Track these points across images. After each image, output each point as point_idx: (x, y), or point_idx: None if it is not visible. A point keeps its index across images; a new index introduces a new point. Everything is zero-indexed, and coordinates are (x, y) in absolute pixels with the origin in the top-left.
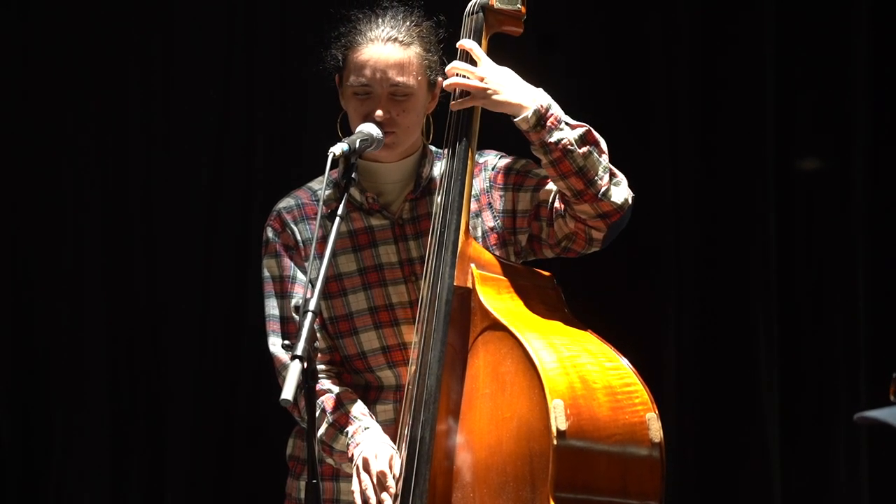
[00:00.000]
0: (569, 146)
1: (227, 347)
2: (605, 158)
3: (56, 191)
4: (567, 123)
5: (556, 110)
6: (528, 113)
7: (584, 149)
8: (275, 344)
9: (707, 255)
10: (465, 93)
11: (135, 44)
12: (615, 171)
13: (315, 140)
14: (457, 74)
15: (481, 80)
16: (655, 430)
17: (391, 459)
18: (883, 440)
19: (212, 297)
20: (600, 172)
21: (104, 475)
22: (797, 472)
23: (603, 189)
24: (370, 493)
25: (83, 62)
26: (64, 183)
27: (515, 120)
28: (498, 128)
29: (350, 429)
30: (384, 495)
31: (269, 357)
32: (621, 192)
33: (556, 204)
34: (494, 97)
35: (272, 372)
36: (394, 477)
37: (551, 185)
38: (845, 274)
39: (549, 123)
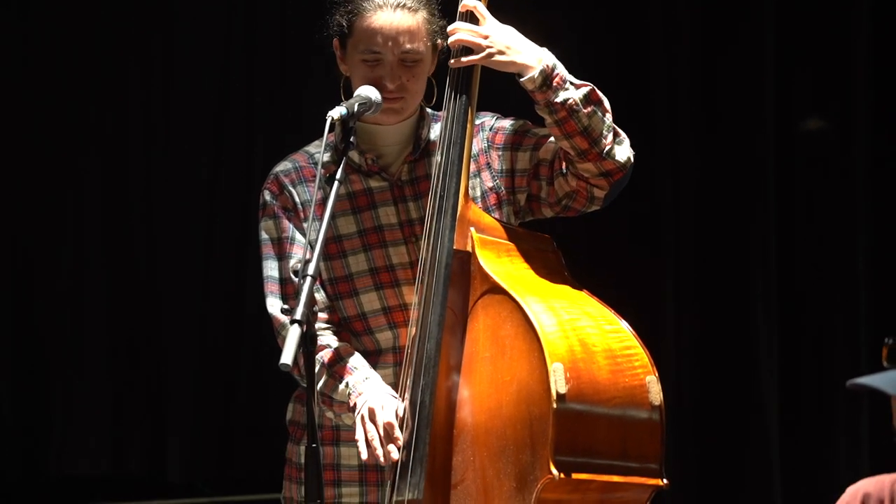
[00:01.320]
0: (574, 106)
1: (228, 313)
2: (608, 117)
3: (57, 185)
4: (571, 83)
5: (561, 69)
6: (535, 73)
7: (589, 108)
8: (273, 305)
9: (706, 220)
10: (467, 50)
11: (135, 42)
12: (618, 129)
13: (313, 135)
14: (458, 32)
15: (486, 37)
16: (655, 393)
17: (397, 410)
18: (882, 415)
19: (212, 270)
20: (604, 131)
21: (105, 443)
22: (797, 445)
23: (607, 148)
24: (376, 443)
25: (83, 61)
26: (64, 177)
27: (521, 80)
28: (498, 86)
29: (350, 378)
30: (391, 446)
31: (268, 318)
32: (624, 150)
33: (557, 163)
34: (500, 56)
35: (271, 333)
36: (400, 428)
37: (551, 144)
38: (845, 251)
39: (554, 83)
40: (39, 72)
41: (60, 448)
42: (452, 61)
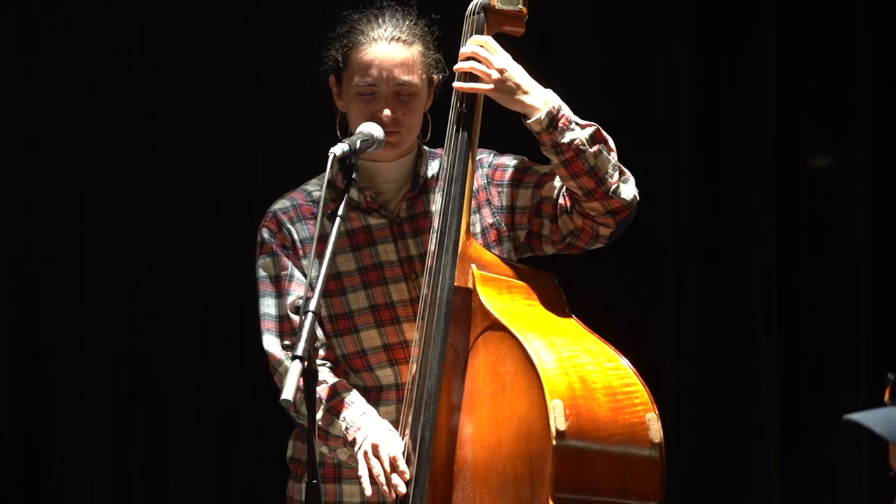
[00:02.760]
0: (581, 146)
1: (228, 348)
2: (613, 156)
3: (57, 189)
4: (577, 123)
5: (567, 111)
6: (542, 115)
7: (595, 147)
8: (269, 342)
9: (707, 254)
10: (473, 78)
11: (137, 40)
12: (623, 168)
13: (315, 140)
14: (473, 58)
15: (501, 71)
16: (655, 431)
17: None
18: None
19: (213, 297)
20: (610, 170)
21: (105, 475)
22: (797, 472)
23: (613, 187)
24: (382, 479)
25: (85, 59)
26: (65, 181)
27: (528, 121)
28: (496, 119)
29: (347, 413)
30: (397, 479)
31: (264, 355)
32: (630, 189)
33: (561, 201)
34: (512, 94)
35: (268, 370)
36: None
37: (554, 182)
38: (846, 273)
39: (560, 124)
40: (41, 68)
41: (60, 484)
42: (461, 85)
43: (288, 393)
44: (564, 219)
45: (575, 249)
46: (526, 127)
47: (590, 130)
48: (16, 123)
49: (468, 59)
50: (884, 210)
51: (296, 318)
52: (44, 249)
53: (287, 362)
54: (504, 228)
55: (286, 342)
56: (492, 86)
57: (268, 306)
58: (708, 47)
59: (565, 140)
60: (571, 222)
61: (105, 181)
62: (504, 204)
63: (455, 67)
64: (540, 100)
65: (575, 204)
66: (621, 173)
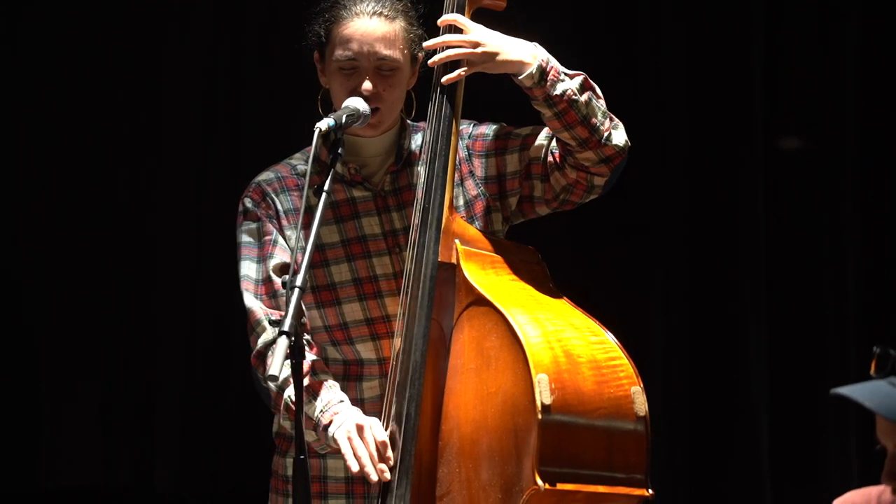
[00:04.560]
0: (573, 95)
1: (216, 328)
2: (602, 103)
3: (52, 184)
4: (566, 73)
5: (555, 63)
6: (533, 69)
7: (585, 96)
8: (249, 300)
9: (696, 228)
10: (454, 64)
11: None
12: (612, 115)
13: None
14: (445, 48)
15: (476, 45)
16: (640, 404)
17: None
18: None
19: (203, 276)
20: (600, 118)
21: (93, 454)
22: (786, 445)
23: (605, 134)
24: (366, 461)
25: (81, 66)
26: (58, 177)
27: (519, 77)
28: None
29: (325, 395)
30: (383, 465)
31: (244, 313)
32: (621, 134)
33: (550, 158)
34: (496, 58)
35: (245, 329)
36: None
37: (540, 141)
38: (835, 240)
39: (550, 76)
40: (49, 70)
41: (49, 460)
42: (445, 78)
43: (275, 369)
44: (556, 175)
45: (569, 205)
46: (516, 84)
47: (579, 80)
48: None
49: (440, 48)
50: (872, 183)
51: (277, 280)
52: (31, 234)
53: (265, 322)
54: (490, 199)
55: (267, 304)
56: (471, 63)
57: (248, 268)
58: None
59: (557, 92)
60: (564, 178)
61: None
62: (488, 174)
63: (430, 62)
64: (528, 54)
65: (567, 156)
66: (611, 119)
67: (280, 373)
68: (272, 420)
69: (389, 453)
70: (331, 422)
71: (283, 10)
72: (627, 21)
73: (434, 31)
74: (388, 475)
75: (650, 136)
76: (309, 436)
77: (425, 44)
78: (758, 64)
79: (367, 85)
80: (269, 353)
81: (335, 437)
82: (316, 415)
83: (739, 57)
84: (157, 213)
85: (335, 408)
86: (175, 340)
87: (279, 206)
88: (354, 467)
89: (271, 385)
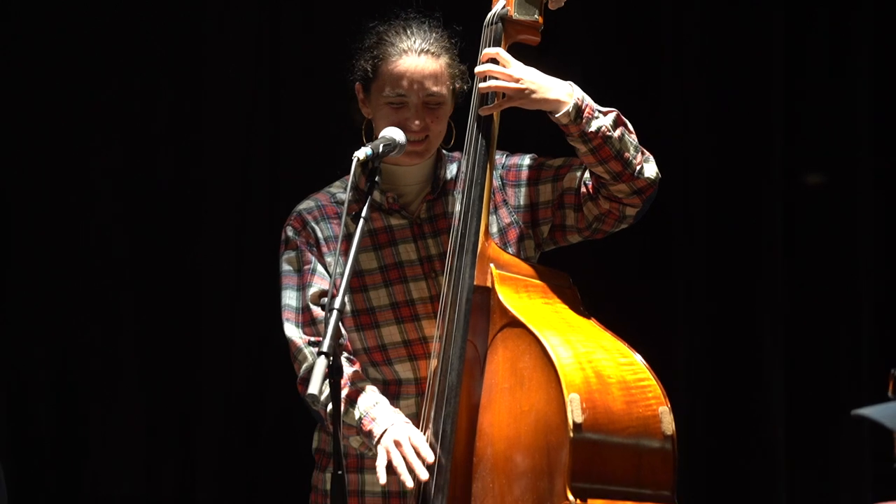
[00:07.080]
0: (607, 132)
1: (256, 345)
2: (634, 138)
3: (86, 187)
4: (599, 110)
5: (589, 100)
6: (569, 107)
7: (618, 132)
8: (290, 330)
9: (716, 254)
10: (489, 97)
11: (165, 51)
12: (643, 149)
13: (331, 148)
14: (489, 78)
15: (517, 80)
16: (668, 423)
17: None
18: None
19: (242, 291)
20: (633, 152)
21: (138, 468)
22: (803, 463)
23: (638, 167)
24: (403, 467)
25: (110, 62)
26: (94, 179)
27: (556, 115)
28: (511, 125)
29: (361, 401)
30: (418, 464)
31: (286, 343)
32: (652, 167)
33: (583, 189)
34: (533, 96)
35: (289, 359)
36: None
37: (573, 173)
38: (849, 270)
39: (585, 114)
40: (61, 69)
41: (95, 473)
42: (482, 109)
43: (314, 388)
44: (589, 205)
45: (601, 234)
46: (553, 122)
47: (612, 116)
48: (43, 129)
49: (485, 78)
50: (889, 201)
51: (316, 308)
52: (77, 247)
53: (306, 350)
54: (524, 227)
55: (307, 332)
56: (510, 98)
57: (289, 298)
58: (714, 57)
59: (592, 129)
60: (597, 208)
61: (131, 178)
62: (522, 203)
63: (479, 87)
64: (563, 93)
65: (601, 188)
66: (643, 153)
67: (320, 392)
68: (312, 436)
69: (428, 451)
70: (371, 431)
71: (320, 55)
72: (650, 60)
73: (468, 65)
74: (424, 475)
75: (673, 167)
76: (355, 441)
77: (477, 69)
78: (777, 102)
79: (416, 122)
80: (300, 364)
81: (377, 450)
82: (356, 423)
83: (759, 99)
84: (202, 238)
85: (372, 412)
86: (216, 359)
87: (319, 234)
88: (382, 479)
89: (318, 407)
